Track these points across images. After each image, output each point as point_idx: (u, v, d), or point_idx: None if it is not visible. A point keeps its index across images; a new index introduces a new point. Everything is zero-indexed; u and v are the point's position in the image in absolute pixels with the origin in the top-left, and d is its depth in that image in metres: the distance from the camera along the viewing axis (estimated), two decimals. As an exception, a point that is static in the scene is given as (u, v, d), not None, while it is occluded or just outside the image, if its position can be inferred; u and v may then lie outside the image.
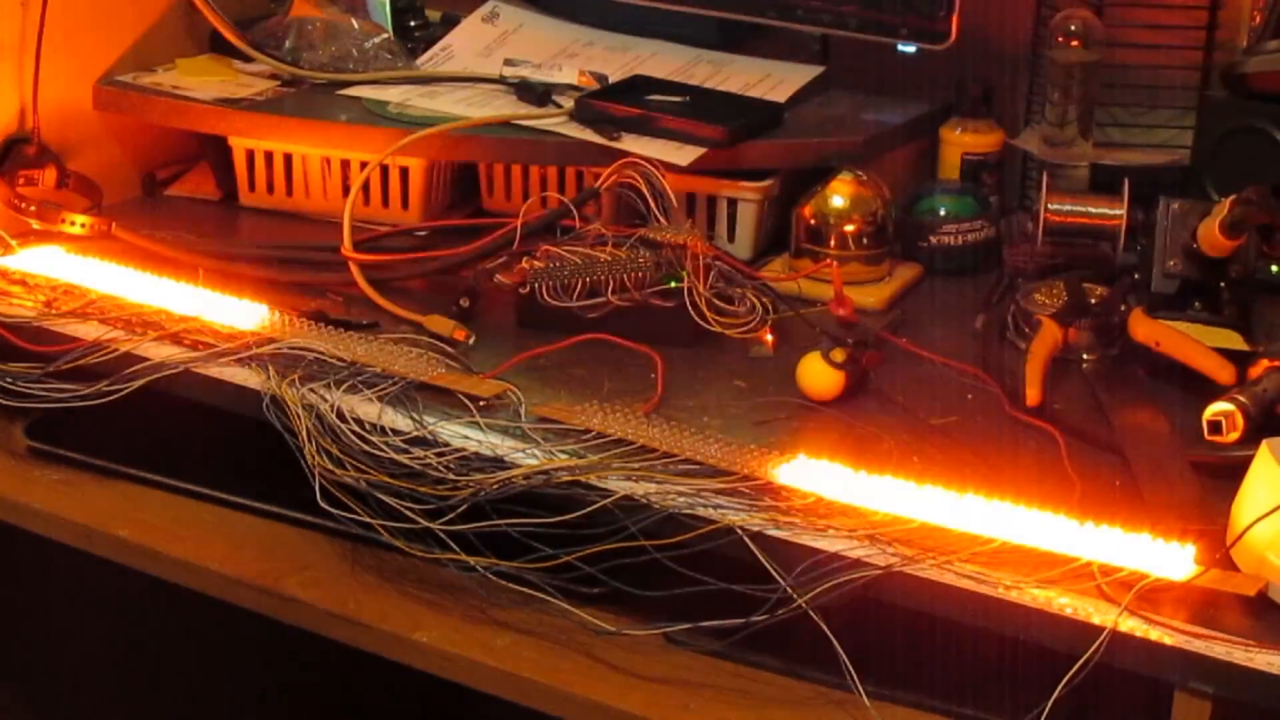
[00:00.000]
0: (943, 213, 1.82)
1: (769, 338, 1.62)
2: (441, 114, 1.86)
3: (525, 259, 1.65)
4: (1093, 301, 1.64)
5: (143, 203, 2.01)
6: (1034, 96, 1.92)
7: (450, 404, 1.50)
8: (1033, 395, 1.49)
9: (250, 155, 1.96)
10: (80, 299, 1.67)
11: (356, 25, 2.01)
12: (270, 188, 1.96)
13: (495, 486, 1.39)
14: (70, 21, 1.90)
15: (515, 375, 1.53)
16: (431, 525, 1.38)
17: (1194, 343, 1.54)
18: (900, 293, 1.76)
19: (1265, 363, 1.49)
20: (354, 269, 1.72)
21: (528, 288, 1.63)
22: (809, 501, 1.35)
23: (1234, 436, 1.41)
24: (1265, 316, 1.62)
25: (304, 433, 1.45)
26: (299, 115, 1.91)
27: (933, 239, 1.81)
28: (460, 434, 1.45)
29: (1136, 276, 1.64)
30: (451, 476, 1.40)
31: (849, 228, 1.74)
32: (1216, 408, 1.42)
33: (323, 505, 1.42)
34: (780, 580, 1.29)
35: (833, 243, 1.74)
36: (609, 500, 1.36)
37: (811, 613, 1.27)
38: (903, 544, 1.30)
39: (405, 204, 1.92)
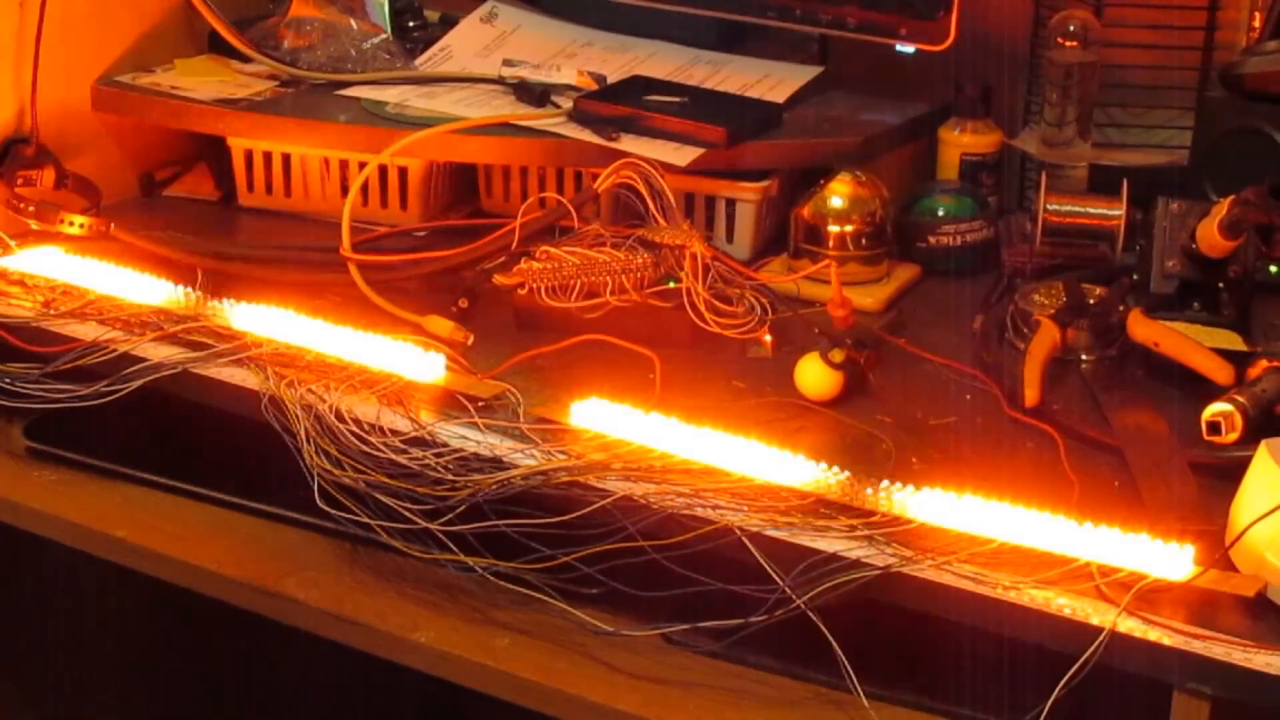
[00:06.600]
0: (941, 213, 1.82)
1: (767, 338, 1.62)
2: (440, 114, 1.86)
3: (524, 259, 1.65)
4: (1091, 302, 1.64)
5: (141, 203, 2.01)
6: (1032, 97, 1.92)
7: (449, 404, 1.50)
8: (1031, 396, 1.49)
9: (249, 155, 1.96)
10: (79, 299, 1.67)
11: (355, 25, 2.01)
12: (269, 188, 1.96)
13: (494, 487, 1.39)
14: (69, 22, 1.90)
15: (514, 376, 1.53)
16: (430, 526, 1.38)
17: (1193, 343, 1.54)
18: (899, 293, 1.76)
19: (1264, 363, 1.49)
20: (353, 270, 1.72)
21: (526, 288, 1.64)
22: (808, 502, 1.35)
23: (1233, 437, 1.41)
24: (1264, 317, 1.62)
25: (302, 433, 1.45)
26: (297, 115, 1.91)
27: (931, 239, 1.81)
28: (459, 434, 1.45)
29: (1135, 277, 1.64)
30: (450, 477, 1.40)
31: (847, 228, 1.74)
32: (1215, 408, 1.42)
33: (321, 506, 1.42)
34: (779, 581, 1.29)
35: (831, 243, 1.74)
36: (607, 501, 1.36)
37: (810, 613, 1.27)
38: (902, 544, 1.30)
39: (404, 204, 1.92)
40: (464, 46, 2.04)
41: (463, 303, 1.66)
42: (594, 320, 1.61)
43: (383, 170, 1.88)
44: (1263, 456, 1.29)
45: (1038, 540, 1.28)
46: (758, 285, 1.66)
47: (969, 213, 1.82)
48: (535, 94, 1.87)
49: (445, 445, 1.44)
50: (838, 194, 1.74)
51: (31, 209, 1.81)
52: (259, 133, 1.92)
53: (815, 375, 1.52)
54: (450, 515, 1.38)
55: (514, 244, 1.67)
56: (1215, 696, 1.20)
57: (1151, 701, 1.23)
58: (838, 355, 1.52)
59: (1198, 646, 1.20)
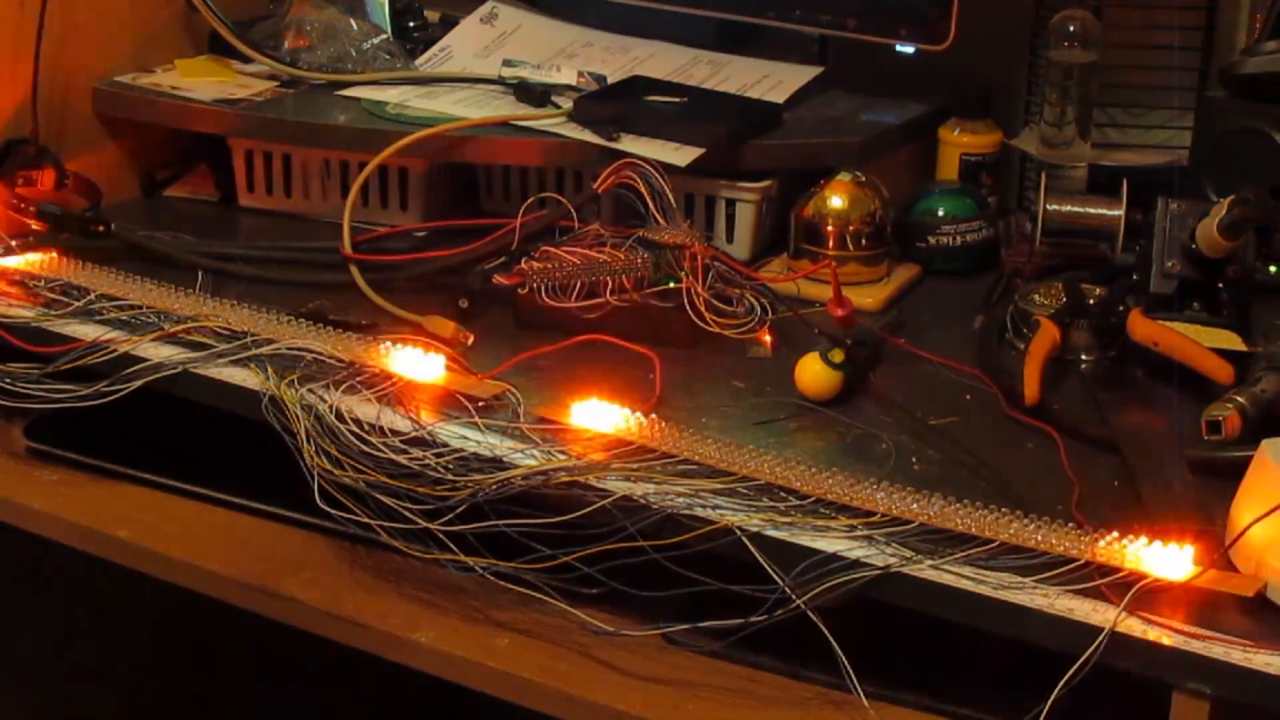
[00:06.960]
0: (941, 213, 1.82)
1: (767, 338, 1.62)
2: (440, 115, 1.86)
3: (524, 260, 1.65)
4: (1091, 302, 1.64)
5: (142, 203, 2.01)
6: (1032, 97, 1.92)
7: (449, 404, 1.50)
8: (1031, 395, 1.49)
9: (249, 156, 1.96)
10: (79, 299, 1.67)
11: (355, 26, 2.01)
12: (269, 188, 1.96)
13: (494, 487, 1.39)
14: (69, 22, 1.90)
15: (514, 376, 1.53)
16: (430, 526, 1.38)
17: (1192, 343, 1.54)
18: (898, 293, 1.76)
19: (1264, 363, 1.49)
20: (353, 269, 1.72)
21: (526, 288, 1.64)
22: (808, 502, 1.35)
23: (1233, 437, 1.41)
24: (1263, 317, 1.62)
25: (303, 433, 1.45)
26: (298, 116, 1.91)
27: (931, 239, 1.81)
28: (459, 434, 1.45)
29: (1135, 277, 1.64)
30: (450, 477, 1.40)
31: (847, 228, 1.74)
32: (1215, 408, 1.42)
33: (321, 506, 1.42)
34: (779, 581, 1.29)
35: (831, 243, 1.74)
36: (607, 501, 1.36)
37: (810, 613, 1.27)
38: (902, 544, 1.30)
39: (404, 205, 1.92)
40: (464, 47, 2.04)
41: (463, 303, 1.66)
42: (594, 320, 1.61)
43: (383, 170, 1.88)
44: (1263, 456, 1.29)
45: (1037, 540, 1.28)
46: (758, 285, 1.65)
47: (969, 213, 1.82)
48: (535, 94, 1.87)
49: (445, 445, 1.43)
50: (837, 194, 1.74)
51: (32, 209, 1.81)
52: (259, 133, 1.92)
53: (815, 375, 1.52)
54: (450, 515, 1.38)
55: (514, 244, 1.67)
56: (1215, 696, 1.20)
57: (1151, 701, 1.23)
58: (838, 355, 1.52)
59: (1197, 646, 1.20)
